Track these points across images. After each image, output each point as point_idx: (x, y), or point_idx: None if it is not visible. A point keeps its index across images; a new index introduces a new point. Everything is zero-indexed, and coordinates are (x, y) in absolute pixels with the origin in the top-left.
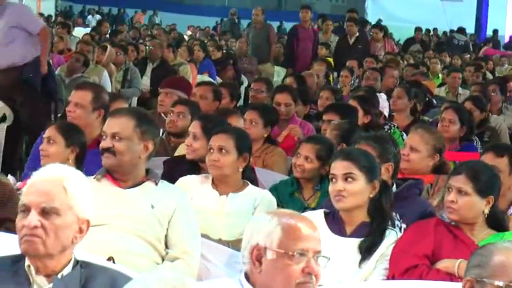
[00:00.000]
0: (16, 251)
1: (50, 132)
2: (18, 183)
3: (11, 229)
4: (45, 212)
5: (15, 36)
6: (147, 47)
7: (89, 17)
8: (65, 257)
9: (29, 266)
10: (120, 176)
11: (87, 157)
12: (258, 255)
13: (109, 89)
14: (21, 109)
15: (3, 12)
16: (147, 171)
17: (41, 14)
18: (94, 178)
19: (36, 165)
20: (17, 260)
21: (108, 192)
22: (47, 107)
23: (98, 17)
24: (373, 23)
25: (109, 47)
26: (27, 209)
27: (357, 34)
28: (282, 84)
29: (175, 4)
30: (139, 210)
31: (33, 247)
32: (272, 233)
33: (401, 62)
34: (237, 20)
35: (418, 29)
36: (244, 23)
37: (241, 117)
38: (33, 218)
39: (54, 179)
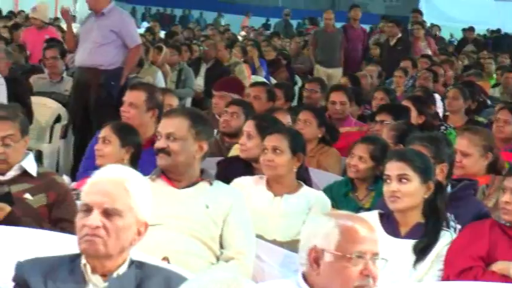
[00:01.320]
0: (70, 250)
1: (105, 132)
2: (73, 183)
3: (66, 229)
4: (107, 213)
5: (111, 41)
6: (201, 48)
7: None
8: (122, 257)
9: (85, 265)
10: (174, 176)
11: (142, 157)
12: (316, 257)
13: None
14: (93, 112)
15: (108, 15)
16: (202, 171)
17: (74, 17)
18: (149, 178)
19: (91, 165)
20: (74, 258)
21: (163, 193)
22: (117, 115)
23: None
24: (427, 23)
25: (164, 47)
26: (89, 209)
27: (399, 35)
28: (337, 84)
29: (228, 4)
30: (194, 211)
31: (94, 247)
32: (330, 235)
33: (455, 62)
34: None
35: (470, 29)
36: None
37: (287, 114)
38: (96, 218)
39: (116, 180)
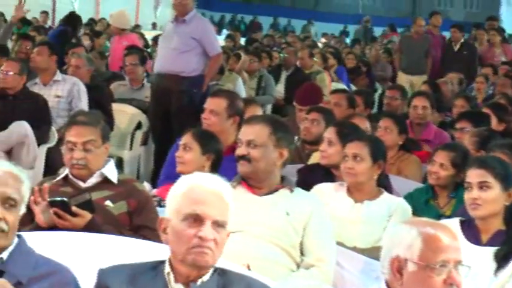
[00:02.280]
0: (151, 257)
1: (186, 139)
2: (154, 190)
3: (147, 236)
4: (217, 225)
5: (191, 48)
6: (281, 54)
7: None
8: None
9: (168, 274)
10: (255, 183)
11: (222, 164)
12: (398, 266)
13: (243, 96)
14: (174, 119)
15: (189, 22)
16: (282, 178)
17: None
18: (229, 185)
19: (172, 172)
20: (155, 266)
21: (244, 199)
22: (198, 122)
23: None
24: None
25: (243, 54)
26: (199, 219)
27: (462, 40)
28: (419, 90)
29: (308, 11)
30: (275, 217)
31: (204, 259)
32: (412, 244)
33: None
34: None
35: None
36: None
37: (366, 120)
38: (209, 231)
39: (218, 191)
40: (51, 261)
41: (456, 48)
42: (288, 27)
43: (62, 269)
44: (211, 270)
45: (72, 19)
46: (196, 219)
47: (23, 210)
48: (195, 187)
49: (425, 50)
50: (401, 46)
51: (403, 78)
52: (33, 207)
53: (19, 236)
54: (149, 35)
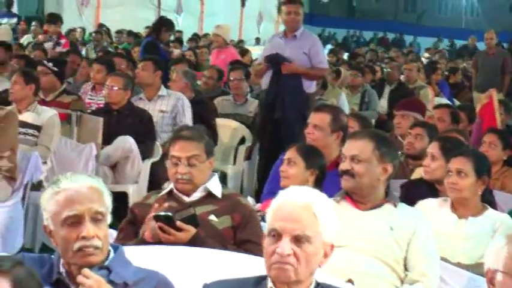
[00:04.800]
0: (256, 272)
1: (290, 154)
2: (258, 205)
3: (251, 250)
4: (297, 240)
5: (303, 63)
6: (385, 69)
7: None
8: (309, 280)
9: None
10: (359, 198)
11: (326, 179)
12: (491, 278)
13: (347, 111)
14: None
15: (300, 38)
16: (386, 193)
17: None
18: (333, 200)
19: (275, 187)
20: (259, 280)
21: (348, 214)
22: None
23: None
24: None
25: (343, 70)
26: (278, 235)
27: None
28: None
29: (412, 26)
30: (379, 232)
31: (285, 274)
32: (499, 254)
33: None
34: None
35: None
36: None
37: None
38: (286, 246)
39: (303, 204)
40: (148, 269)
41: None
42: (413, 44)
43: (159, 274)
44: (313, 285)
45: (155, 26)
46: (276, 235)
47: (109, 220)
48: (282, 203)
49: (500, 66)
50: (476, 63)
51: (475, 96)
52: (147, 223)
53: (117, 248)
54: (253, 50)
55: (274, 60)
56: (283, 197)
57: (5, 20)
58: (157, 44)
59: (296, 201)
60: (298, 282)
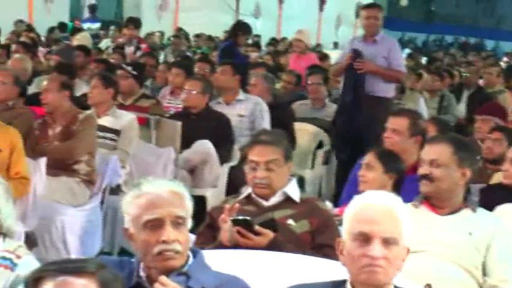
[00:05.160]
0: (334, 276)
1: (369, 158)
2: (336, 209)
3: (329, 255)
4: (387, 242)
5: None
6: (463, 74)
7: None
8: (391, 284)
9: None
10: (437, 203)
11: (404, 183)
12: None
13: (425, 116)
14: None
15: (380, 42)
16: (465, 198)
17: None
18: (412, 205)
19: (354, 191)
20: (337, 285)
21: (426, 219)
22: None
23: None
24: None
25: (425, 74)
26: (367, 238)
27: None
28: None
29: (491, 30)
30: (457, 237)
31: (375, 277)
32: None
33: None
34: None
35: None
36: None
37: None
38: (378, 249)
39: (388, 207)
40: (228, 274)
41: None
42: (496, 49)
43: (239, 279)
44: None
45: (232, 31)
46: (365, 238)
47: (190, 225)
48: (363, 206)
49: None
50: None
51: None
52: (221, 226)
53: (197, 252)
54: (331, 54)
55: (357, 55)
56: (363, 200)
57: (87, 25)
58: (234, 48)
59: (380, 205)
60: (386, 285)
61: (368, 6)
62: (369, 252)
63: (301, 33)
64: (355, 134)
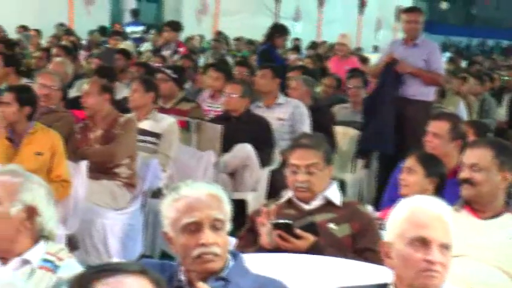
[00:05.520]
0: (375, 280)
1: (410, 162)
2: (377, 213)
3: (370, 259)
4: (443, 247)
5: None
6: (503, 78)
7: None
8: None
9: None
10: (479, 207)
11: (445, 187)
12: None
13: (465, 119)
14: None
15: (420, 45)
16: (507, 202)
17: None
18: (453, 209)
19: (395, 195)
20: None
21: (467, 223)
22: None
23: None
24: None
25: (470, 78)
26: (425, 243)
27: None
28: None
29: None
30: (499, 242)
31: (433, 282)
32: None
33: None
34: None
35: None
36: None
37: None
38: (437, 254)
39: (440, 213)
40: (268, 277)
41: None
42: None
43: (279, 282)
44: None
45: (269, 33)
46: (423, 243)
47: (228, 228)
48: (417, 210)
49: None
50: None
51: None
52: (259, 229)
53: (237, 255)
54: (371, 57)
55: (394, 62)
56: (414, 204)
57: (131, 28)
58: (272, 50)
59: (432, 210)
60: None
61: (409, 10)
62: (428, 256)
63: (345, 37)
64: (396, 137)
